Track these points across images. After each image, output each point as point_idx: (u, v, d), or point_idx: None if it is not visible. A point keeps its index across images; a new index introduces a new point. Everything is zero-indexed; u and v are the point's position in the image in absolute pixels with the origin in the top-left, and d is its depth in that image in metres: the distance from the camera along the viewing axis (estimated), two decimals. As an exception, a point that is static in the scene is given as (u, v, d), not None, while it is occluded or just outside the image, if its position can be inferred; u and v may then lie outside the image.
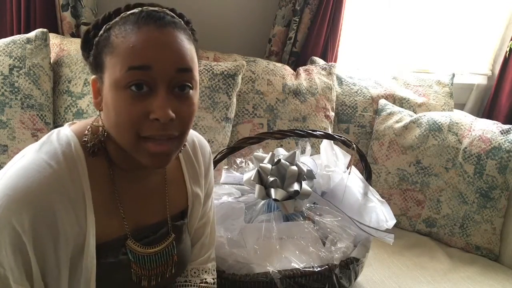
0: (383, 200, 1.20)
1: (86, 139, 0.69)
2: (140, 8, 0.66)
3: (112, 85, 0.63)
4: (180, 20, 0.69)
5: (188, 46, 0.66)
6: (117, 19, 0.66)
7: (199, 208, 0.88)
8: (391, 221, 1.16)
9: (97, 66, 0.67)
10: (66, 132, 0.70)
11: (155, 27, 0.64)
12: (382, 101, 1.77)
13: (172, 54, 0.64)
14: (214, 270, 0.95)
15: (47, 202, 0.62)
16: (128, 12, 0.66)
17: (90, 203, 0.68)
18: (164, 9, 0.68)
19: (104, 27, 0.66)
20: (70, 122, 0.75)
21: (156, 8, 0.67)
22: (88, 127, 0.71)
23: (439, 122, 1.65)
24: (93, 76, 0.69)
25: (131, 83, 0.62)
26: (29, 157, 0.65)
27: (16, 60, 1.34)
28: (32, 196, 0.61)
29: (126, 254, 0.73)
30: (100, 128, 0.70)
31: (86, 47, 0.69)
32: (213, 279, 0.94)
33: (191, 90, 0.67)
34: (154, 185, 0.80)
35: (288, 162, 1.18)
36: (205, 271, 0.93)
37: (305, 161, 1.28)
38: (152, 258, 0.77)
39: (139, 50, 0.62)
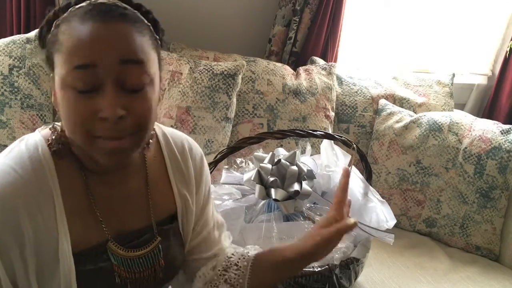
0: (383, 200, 1.19)
1: (49, 141, 0.67)
2: (88, 1, 0.63)
3: (60, 85, 0.61)
4: (135, 11, 0.65)
5: (138, 38, 0.62)
6: (66, 14, 0.63)
7: (192, 213, 0.84)
8: (391, 221, 1.16)
9: (49, 64, 0.65)
10: (35, 137, 0.68)
11: (100, 22, 0.60)
12: (382, 101, 1.77)
13: (115, 47, 0.60)
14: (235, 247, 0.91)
15: (11, 208, 0.61)
16: (76, 7, 0.63)
17: (61, 209, 0.65)
18: (115, 1, 0.64)
19: (54, 23, 0.64)
20: (42, 127, 0.72)
21: (105, 1, 0.63)
22: (51, 127, 0.69)
23: (439, 122, 1.65)
24: (51, 74, 0.66)
25: (76, 83, 0.60)
26: None
27: (16, 60, 1.34)
28: None
29: (108, 260, 0.70)
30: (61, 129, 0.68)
31: (41, 45, 0.67)
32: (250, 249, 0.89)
33: (144, 86, 0.63)
34: (135, 188, 0.76)
35: (288, 162, 1.18)
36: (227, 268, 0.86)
37: (305, 161, 1.28)
38: (136, 261, 0.74)
39: (81, 48, 0.59)
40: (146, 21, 0.66)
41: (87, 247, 0.69)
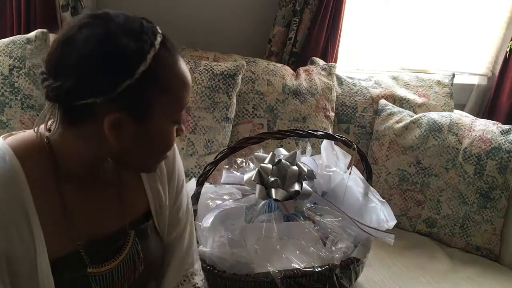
0: (384, 200, 1.19)
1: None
2: (161, 36, 0.63)
3: (168, 122, 0.66)
4: None
5: None
6: (153, 52, 0.60)
7: (166, 206, 0.83)
8: (391, 222, 1.16)
9: (134, 105, 0.61)
10: None
11: (179, 57, 0.66)
12: (382, 102, 1.77)
13: None
14: (200, 270, 0.91)
15: None
16: (158, 45, 0.61)
17: (35, 218, 0.63)
18: (157, 28, 0.65)
19: (147, 61, 0.60)
20: (4, 134, 0.69)
21: (161, 31, 0.64)
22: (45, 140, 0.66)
23: (439, 123, 1.65)
24: (114, 114, 0.60)
25: (180, 117, 0.68)
26: None
27: (16, 61, 1.34)
28: None
29: (83, 269, 0.69)
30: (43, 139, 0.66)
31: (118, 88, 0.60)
32: (202, 280, 0.90)
33: None
34: (108, 191, 0.75)
35: (288, 162, 1.18)
36: (195, 274, 0.88)
37: (306, 161, 1.28)
38: (114, 272, 0.73)
39: (188, 88, 0.67)
40: None
41: (61, 256, 0.67)
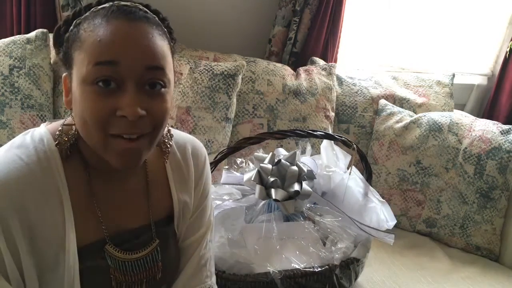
0: (384, 200, 1.19)
1: (58, 140, 0.67)
2: (111, 3, 0.64)
3: (80, 81, 0.61)
4: (154, 16, 0.67)
5: (160, 43, 0.64)
6: (87, 13, 0.65)
7: (189, 213, 0.83)
8: (391, 222, 1.16)
9: (66, 62, 0.65)
10: (40, 130, 0.69)
11: (125, 21, 0.62)
12: (382, 102, 1.77)
13: (142, 50, 0.61)
14: (215, 284, 0.89)
15: (17, 194, 0.61)
16: (99, 7, 0.64)
17: (67, 202, 0.66)
18: (137, 4, 0.66)
19: (74, 22, 0.65)
20: (47, 122, 0.73)
21: (127, 3, 0.65)
22: (60, 127, 0.68)
23: (439, 123, 1.65)
24: (64, 74, 0.67)
25: (98, 79, 0.60)
26: (0, 153, 0.65)
27: (16, 61, 1.34)
28: (0, 188, 0.61)
29: (105, 258, 0.70)
30: (73, 127, 0.68)
31: (57, 43, 0.69)
32: None
33: (162, 88, 0.64)
34: (135, 187, 0.76)
35: (288, 162, 1.18)
36: None
37: (306, 161, 1.28)
38: (134, 264, 0.73)
39: (106, 45, 0.60)
40: (163, 26, 0.68)
41: (86, 244, 0.69)
